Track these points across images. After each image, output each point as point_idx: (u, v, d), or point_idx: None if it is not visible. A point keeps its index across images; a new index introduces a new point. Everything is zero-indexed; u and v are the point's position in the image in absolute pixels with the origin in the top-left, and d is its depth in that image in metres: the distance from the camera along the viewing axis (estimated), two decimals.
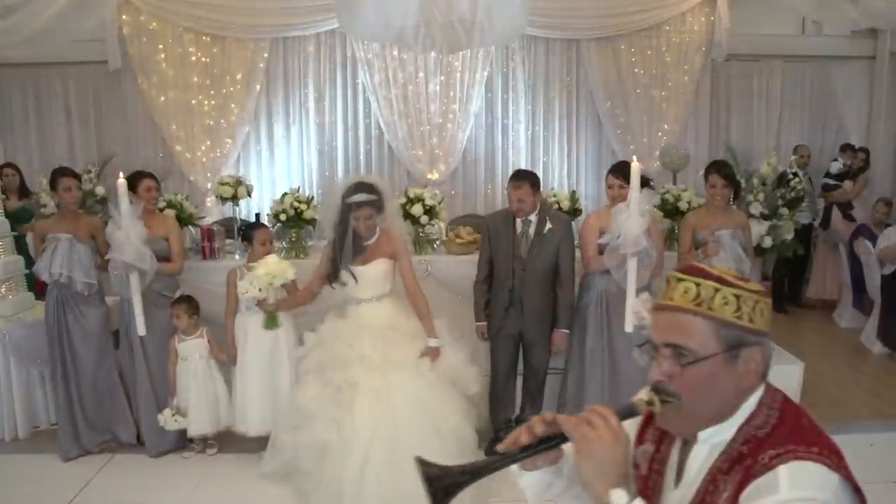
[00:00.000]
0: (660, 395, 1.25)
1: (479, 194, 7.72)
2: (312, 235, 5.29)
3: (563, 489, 1.40)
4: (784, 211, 4.79)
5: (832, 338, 6.52)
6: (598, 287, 4.05)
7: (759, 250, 4.74)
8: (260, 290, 3.85)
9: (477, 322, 4.17)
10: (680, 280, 1.27)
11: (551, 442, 1.26)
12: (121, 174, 3.76)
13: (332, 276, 3.76)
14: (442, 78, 7.29)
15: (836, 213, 7.12)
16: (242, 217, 6.06)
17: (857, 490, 1.17)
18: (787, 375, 4.85)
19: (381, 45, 7.07)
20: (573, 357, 4.16)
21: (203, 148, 7.22)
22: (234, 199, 5.01)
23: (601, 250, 3.96)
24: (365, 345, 3.54)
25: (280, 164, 7.50)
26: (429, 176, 7.37)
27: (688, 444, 1.32)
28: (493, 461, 1.23)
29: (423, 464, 1.18)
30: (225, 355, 4.23)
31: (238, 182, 4.99)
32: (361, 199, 3.55)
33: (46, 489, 3.92)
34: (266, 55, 7.20)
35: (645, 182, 4.00)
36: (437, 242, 5.11)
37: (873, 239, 6.20)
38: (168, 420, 4.12)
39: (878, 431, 4.48)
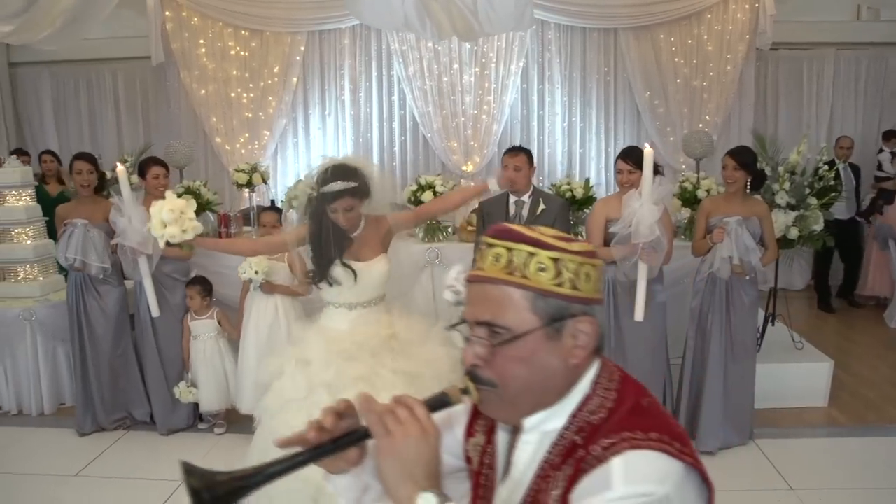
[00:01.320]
0: (475, 381, 1.09)
1: None
2: None
3: (382, 492, 1.13)
4: (812, 201, 4.55)
5: (879, 339, 6.17)
6: (606, 276, 3.94)
7: (785, 241, 4.52)
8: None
9: None
10: (490, 245, 1.09)
11: (351, 437, 1.07)
12: (118, 163, 3.86)
13: (317, 274, 3.08)
14: (477, 69, 7.25)
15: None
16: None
17: (704, 478, 1.02)
18: (815, 374, 4.63)
19: (417, 38, 7.08)
20: None
21: (242, 140, 7.40)
22: (250, 185, 5.10)
23: (608, 239, 3.85)
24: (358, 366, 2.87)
25: (316, 156, 7.60)
26: (463, 168, 7.34)
27: (517, 433, 1.16)
28: (269, 466, 1.01)
29: (189, 472, 0.97)
30: (237, 333, 4.33)
31: (253, 169, 5.08)
32: (338, 188, 2.86)
33: (59, 460, 4.09)
34: (303, 48, 7.33)
35: (656, 169, 3.88)
36: (450, 229, 5.08)
37: None
38: (183, 392, 4.28)
39: None
